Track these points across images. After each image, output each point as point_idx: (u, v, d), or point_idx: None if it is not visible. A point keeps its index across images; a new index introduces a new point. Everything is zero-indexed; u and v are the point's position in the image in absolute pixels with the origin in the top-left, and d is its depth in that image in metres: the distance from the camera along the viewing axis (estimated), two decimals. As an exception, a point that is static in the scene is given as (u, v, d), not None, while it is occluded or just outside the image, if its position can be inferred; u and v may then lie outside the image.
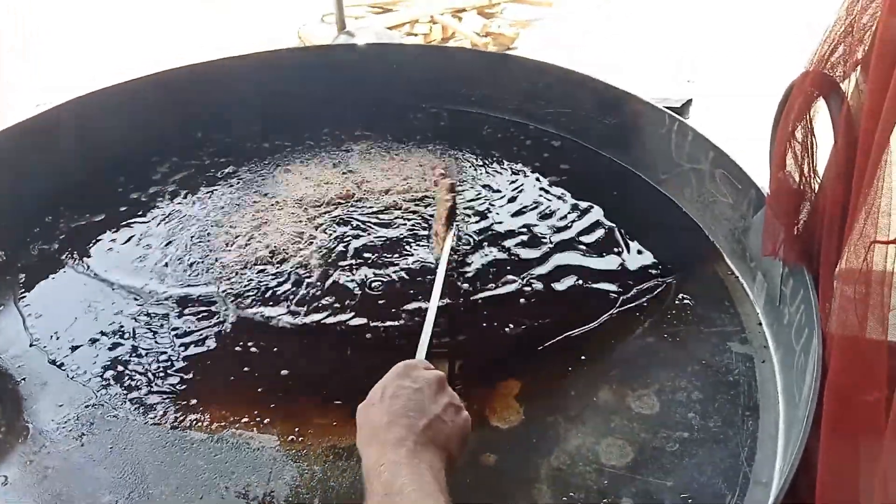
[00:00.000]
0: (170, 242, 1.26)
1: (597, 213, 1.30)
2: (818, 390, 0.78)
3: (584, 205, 1.32)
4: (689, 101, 1.68)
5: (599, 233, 1.25)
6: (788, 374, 0.94)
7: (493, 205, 1.33)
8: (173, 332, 1.08)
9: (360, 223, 1.28)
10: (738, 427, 0.92)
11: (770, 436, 0.90)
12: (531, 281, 1.15)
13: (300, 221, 1.29)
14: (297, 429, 0.93)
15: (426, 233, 1.25)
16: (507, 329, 1.07)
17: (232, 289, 1.15)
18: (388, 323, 1.08)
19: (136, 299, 1.14)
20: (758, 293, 1.09)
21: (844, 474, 0.74)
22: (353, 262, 1.19)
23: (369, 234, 1.25)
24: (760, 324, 1.06)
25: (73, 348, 1.06)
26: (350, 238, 1.25)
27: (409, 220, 1.29)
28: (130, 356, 1.04)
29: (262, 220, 1.29)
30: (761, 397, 0.95)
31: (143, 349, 1.05)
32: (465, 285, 1.14)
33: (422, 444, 0.68)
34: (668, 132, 1.29)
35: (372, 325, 1.08)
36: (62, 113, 1.39)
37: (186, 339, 1.07)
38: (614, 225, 1.27)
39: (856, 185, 0.76)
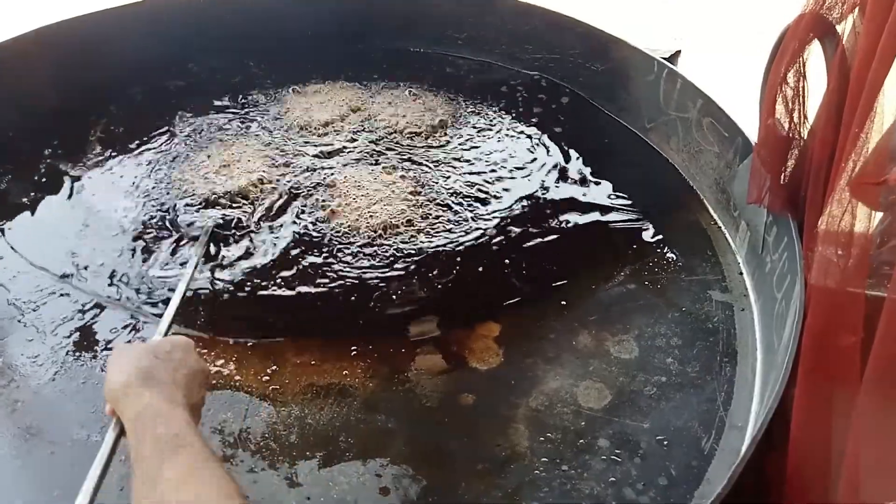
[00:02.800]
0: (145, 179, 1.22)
1: (581, 162, 1.28)
2: (798, 337, 0.78)
3: (568, 153, 1.30)
4: (678, 53, 1.65)
5: (582, 181, 1.24)
6: (768, 322, 0.95)
7: (477, 150, 1.30)
8: (149, 266, 1.06)
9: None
10: (715, 373, 0.92)
11: (747, 382, 0.91)
12: (511, 228, 1.13)
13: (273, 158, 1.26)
14: (273, 367, 0.92)
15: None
16: (488, 273, 1.06)
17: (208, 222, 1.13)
18: (358, 262, 1.06)
19: (114, 234, 1.11)
20: (740, 243, 1.09)
21: (817, 421, 0.74)
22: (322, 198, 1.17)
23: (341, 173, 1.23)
24: (741, 273, 1.06)
25: (48, 281, 1.03)
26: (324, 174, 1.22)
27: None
28: (105, 291, 1.02)
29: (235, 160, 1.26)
30: (739, 345, 0.96)
31: (119, 283, 1.03)
32: (447, 230, 1.13)
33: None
34: (656, 79, 1.26)
35: (343, 264, 1.06)
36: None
37: (161, 274, 1.04)
38: (598, 174, 1.25)
39: (845, 130, 0.75)
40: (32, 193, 1.19)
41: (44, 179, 1.22)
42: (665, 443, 0.84)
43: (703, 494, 0.78)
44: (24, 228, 1.14)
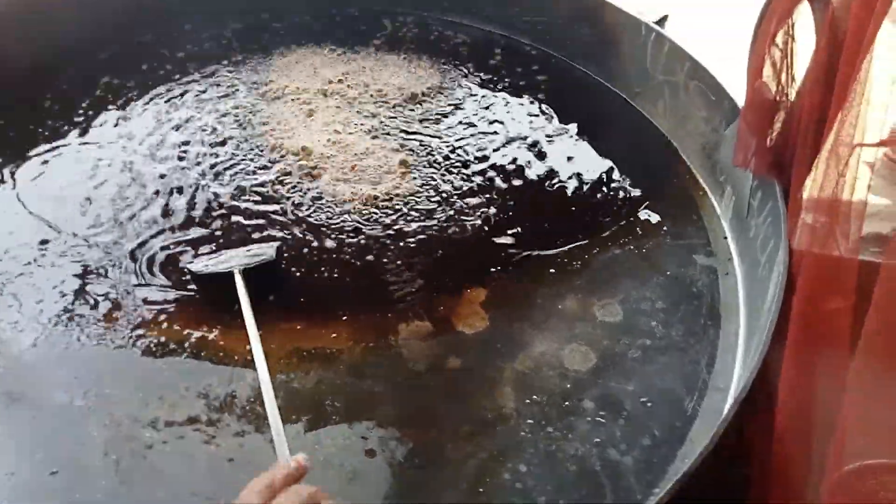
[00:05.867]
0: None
1: (567, 127, 1.27)
2: (780, 300, 0.79)
3: (555, 119, 1.29)
4: (666, 17, 1.63)
5: (569, 147, 1.23)
6: (751, 286, 0.95)
7: (462, 115, 1.29)
8: (136, 234, 1.04)
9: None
10: (699, 336, 0.93)
11: (730, 345, 0.91)
12: (498, 193, 1.13)
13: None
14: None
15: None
16: (474, 239, 1.05)
17: (198, 187, 1.11)
18: (343, 227, 1.06)
19: (96, 197, 1.09)
20: (725, 208, 1.09)
21: (804, 384, 0.75)
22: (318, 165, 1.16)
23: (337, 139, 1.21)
24: (726, 238, 1.06)
25: (35, 246, 1.02)
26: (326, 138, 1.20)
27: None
28: (95, 257, 1.01)
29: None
30: (723, 308, 0.96)
31: (103, 247, 1.02)
32: (433, 195, 1.12)
33: None
34: (644, 43, 1.25)
35: (329, 230, 1.05)
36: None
37: (147, 241, 1.03)
38: (584, 139, 1.24)
39: (837, 91, 0.74)
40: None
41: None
42: (649, 404, 0.84)
43: (685, 454, 0.79)
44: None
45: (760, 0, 0.91)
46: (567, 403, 0.84)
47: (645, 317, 0.95)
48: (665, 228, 1.08)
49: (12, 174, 1.14)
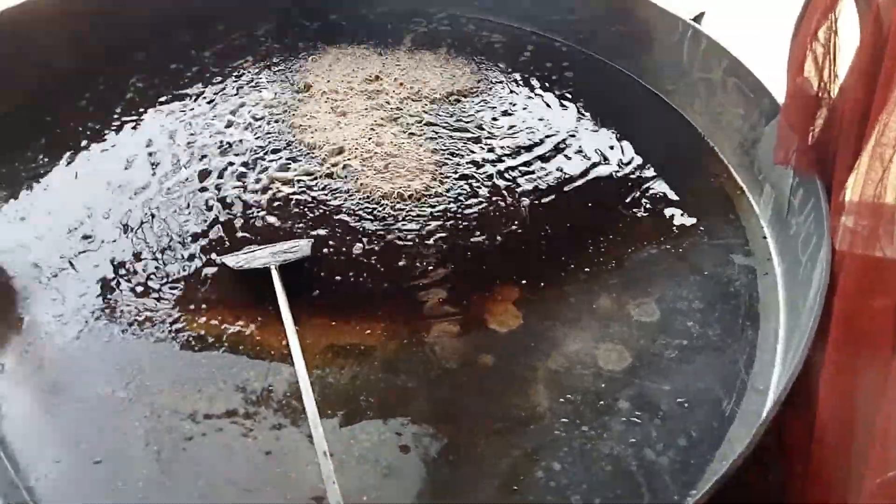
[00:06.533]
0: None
1: (602, 125, 1.26)
2: (824, 300, 0.77)
3: (588, 116, 1.28)
4: (701, 15, 1.61)
5: (603, 145, 1.22)
6: (792, 286, 0.94)
7: (497, 113, 1.29)
8: (175, 231, 1.06)
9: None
10: (737, 336, 0.91)
11: (769, 345, 0.90)
12: (531, 191, 1.13)
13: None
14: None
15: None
16: (508, 237, 1.05)
17: (238, 189, 1.13)
18: (378, 225, 1.06)
19: (136, 193, 1.12)
20: (764, 207, 1.07)
21: (845, 384, 0.73)
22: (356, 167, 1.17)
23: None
24: (765, 237, 1.05)
25: (78, 241, 1.04)
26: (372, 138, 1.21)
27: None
28: (133, 252, 1.03)
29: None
30: (762, 308, 0.95)
31: (144, 243, 1.04)
32: (466, 193, 1.12)
33: None
34: (680, 40, 1.24)
35: (363, 227, 1.06)
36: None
37: (185, 237, 1.05)
38: (620, 137, 1.23)
39: (880, 88, 0.72)
40: (41, 160, 1.20)
41: (79, 144, 1.23)
42: (686, 405, 0.83)
43: (723, 455, 0.78)
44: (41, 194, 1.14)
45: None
46: (601, 403, 0.84)
47: (681, 316, 0.94)
48: (701, 227, 1.06)
49: (50, 174, 1.17)
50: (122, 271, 1.00)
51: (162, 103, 1.31)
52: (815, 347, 0.75)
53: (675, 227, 1.07)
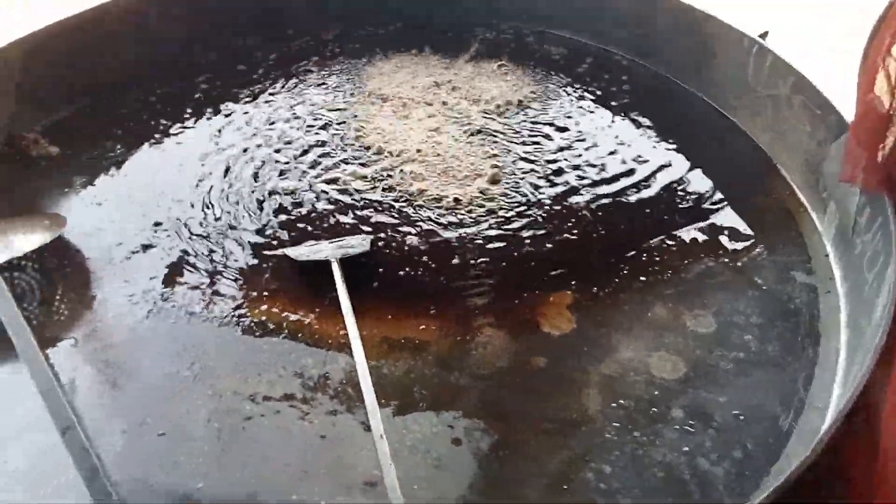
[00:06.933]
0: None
1: (661, 138, 1.26)
2: (890, 318, 0.76)
3: (649, 130, 1.28)
4: (765, 34, 1.60)
5: (662, 158, 1.22)
6: (856, 305, 0.92)
7: (558, 124, 1.30)
8: (241, 222, 1.10)
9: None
10: (797, 353, 0.90)
11: (830, 364, 0.88)
12: (588, 201, 1.13)
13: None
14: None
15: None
16: (563, 243, 1.06)
17: (308, 183, 1.17)
18: (438, 226, 1.08)
19: (205, 185, 1.16)
20: (828, 226, 1.06)
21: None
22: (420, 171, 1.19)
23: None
24: (828, 255, 1.03)
25: (149, 227, 1.09)
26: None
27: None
28: (203, 240, 1.07)
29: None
30: (823, 327, 0.93)
31: (218, 234, 1.08)
32: (522, 199, 1.13)
33: None
34: (745, 56, 1.23)
35: (423, 227, 1.08)
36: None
37: (249, 228, 1.09)
38: (681, 152, 1.23)
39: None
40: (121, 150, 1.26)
41: (153, 137, 1.29)
42: (741, 417, 0.83)
43: (780, 470, 0.77)
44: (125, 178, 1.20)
45: (865, 15, 0.89)
46: (654, 410, 0.84)
47: (739, 330, 0.93)
48: (762, 244, 1.05)
49: (126, 166, 1.22)
50: (190, 258, 1.04)
51: (229, 102, 1.36)
52: (879, 367, 0.73)
53: (733, 242, 1.06)
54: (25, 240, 1.01)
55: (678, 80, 1.39)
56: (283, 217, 1.11)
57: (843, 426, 0.71)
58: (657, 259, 1.03)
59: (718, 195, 1.14)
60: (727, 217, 1.10)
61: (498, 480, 0.77)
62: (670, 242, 1.06)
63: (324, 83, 1.41)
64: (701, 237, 1.07)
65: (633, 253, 1.04)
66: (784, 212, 1.11)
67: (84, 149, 1.25)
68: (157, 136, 1.28)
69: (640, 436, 0.81)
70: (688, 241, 1.06)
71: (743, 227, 1.08)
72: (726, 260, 1.03)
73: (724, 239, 1.06)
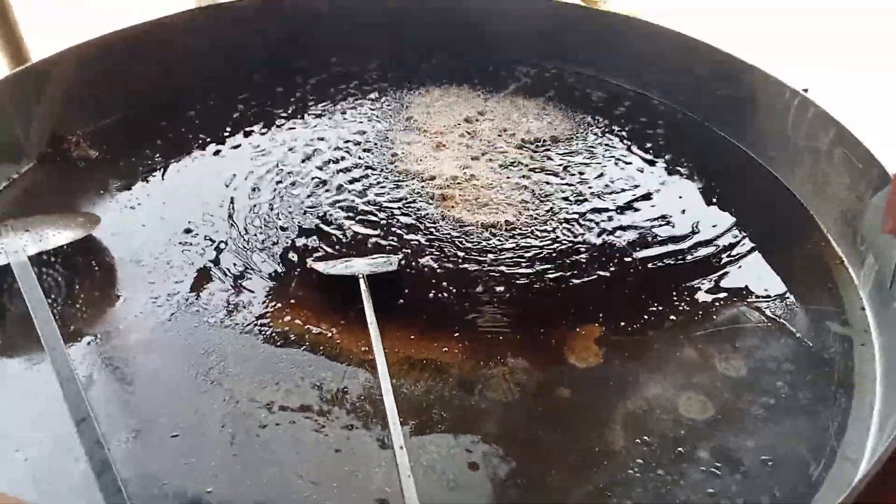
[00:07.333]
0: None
1: (697, 187, 1.25)
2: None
3: (684, 178, 1.28)
4: (806, 90, 1.60)
5: (697, 206, 1.21)
6: (893, 360, 0.89)
7: (592, 166, 1.30)
8: (271, 235, 1.11)
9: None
10: (829, 403, 0.87)
11: (864, 416, 0.85)
12: (619, 242, 1.12)
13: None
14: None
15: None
16: (594, 280, 1.05)
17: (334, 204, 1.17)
18: (467, 251, 1.08)
19: (238, 199, 1.17)
20: (865, 279, 1.03)
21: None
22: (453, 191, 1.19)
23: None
24: (864, 308, 1.00)
25: (180, 233, 1.10)
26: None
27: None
28: (231, 250, 1.08)
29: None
30: (857, 378, 0.90)
31: (247, 245, 1.08)
32: (553, 232, 1.12)
33: None
34: (786, 107, 1.23)
35: (451, 252, 1.08)
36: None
37: (278, 241, 1.09)
38: (717, 202, 1.22)
39: None
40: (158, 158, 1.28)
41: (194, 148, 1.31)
42: (770, 463, 0.79)
43: (809, 521, 0.73)
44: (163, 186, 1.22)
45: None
46: (680, 450, 0.81)
47: (770, 376, 0.90)
48: (796, 294, 1.03)
49: (162, 174, 1.24)
50: (217, 265, 1.04)
51: (268, 121, 1.38)
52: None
53: (767, 290, 1.04)
54: (58, 234, 1.02)
55: (717, 128, 1.39)
56: (313, 234, 1.11)
57: (876, 479, 0.67)
58: (688, 300, 1.01)
59: (754, 245, 1.12)
60: (761, 266, 1.08)
61: (514, 508, 0.75)
62: (702, 286, 1.04)
63: (363, 109, 1.44)
64: (734, 283, 1.05)
65: (663, 292, 1.02)
66: (820, 264, 1.09)
67: (123, 155, 1.27)
68: (195, 148, 1.30)
69: (664, 474, 0.78)
70: (720, 286, 1.04)
71: (778, 276, 1.06)
72: (760, 307, 1.01)
73: (757, 286, 1.04)
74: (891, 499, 0.72)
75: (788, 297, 1.03)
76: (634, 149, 1.34)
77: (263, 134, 1.35)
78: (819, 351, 0.94)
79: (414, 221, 1.14)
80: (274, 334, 0.94)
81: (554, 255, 1.08)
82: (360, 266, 1.01)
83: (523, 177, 1.25)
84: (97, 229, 1.08)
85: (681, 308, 1.00)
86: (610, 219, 1.16)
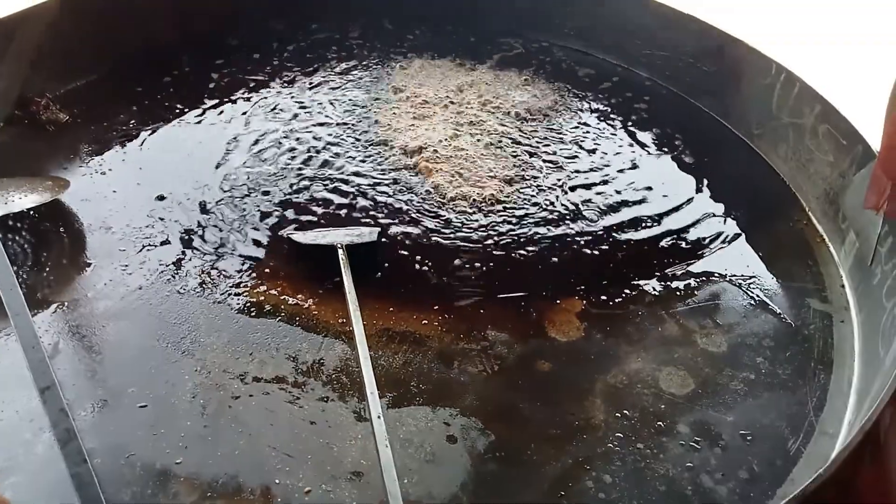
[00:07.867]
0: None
1: (678, 161, 1.24)
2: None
3: (666, 152, 1.26)
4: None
5: (678, 181, 1.20)
6: (871, 335, 0.89)
7: (574, 135, 1.28)
8: (248, 205, 1.08)
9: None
10: (808, 378, 0.87)
11: (842, 392, 0.85)
12: (601, 215, 1.11)
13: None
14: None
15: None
16: (576, 254, 1.03)
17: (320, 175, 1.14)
18: (448, 224, 1.06)
19: (214, 167, 1.14)
20: (845, 256, 1.03)
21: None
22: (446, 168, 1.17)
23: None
24: (844, 286, 1.00)
25: (153, 200, 1.07)
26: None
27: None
28: (206, 219, 1.05)
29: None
30: (837, 354, 0.90)
31: (222, 215, 1.05)
32: (537, 206, 1.11)
33: None
34: (772, 83, 1.22)
35: (432, 225, 1.06)
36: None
37: (254, 210, 1.06)
38: (698, 178, 1.21)
39: None
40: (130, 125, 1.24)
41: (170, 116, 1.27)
42: (748, 438, 0.79)
43: (785, 494, 0.73)
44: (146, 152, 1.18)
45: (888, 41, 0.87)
46: (660, 423, 0.80)
47: (750, 351, 0.90)
48: (777, 271, 1.03)
49: (136, 140, 1.20)
50: (191, 234, 1.02)
51: (248, 89, 1.35)
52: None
53: (748, 267, 1.03)
54: (25, 198, 0.98)
55: (701, 104, 1.38)
56: (290, 204, 1.08)
57: (853, 454, 0.67)
58: (669, 275, 1.01)
59: (735, 221, 1.11)
60: (742, 243, 1.08)
61: (492, 481, 0.74)
62: (684, 262, 1.03)
63: (344, 78, 1.40)
64: (715, 259, 1.04)
65: (645, 268, 1.01)
66: (801, 241, 1.09)
67: (95, 119, 1.23)
68: (170, 115, 1.26)
69: (643, 448, 0.77)
70: (701, 262, 1.03)
71: (759, 253, 1.06)
72: (741, 283, 1.00)
73: (739, 263, 1.04)
74: (867, 472, 0.72)
75: (769, 274, 1.02)
76: (619, 123, 1.33)
77: (241, 101, 1.31)
78: (799, 327, 0.94)
79: (395, 193, 1.11)
80: (249, 304, 0.92)
81: (536, 228, 1.07)
82: (338, 236, 0.99)
83: (507, 149, 1.23)
84: (66, 194, 1.05)
85: (662, 283, 0.99)
86: (594, 193, 1.15)
